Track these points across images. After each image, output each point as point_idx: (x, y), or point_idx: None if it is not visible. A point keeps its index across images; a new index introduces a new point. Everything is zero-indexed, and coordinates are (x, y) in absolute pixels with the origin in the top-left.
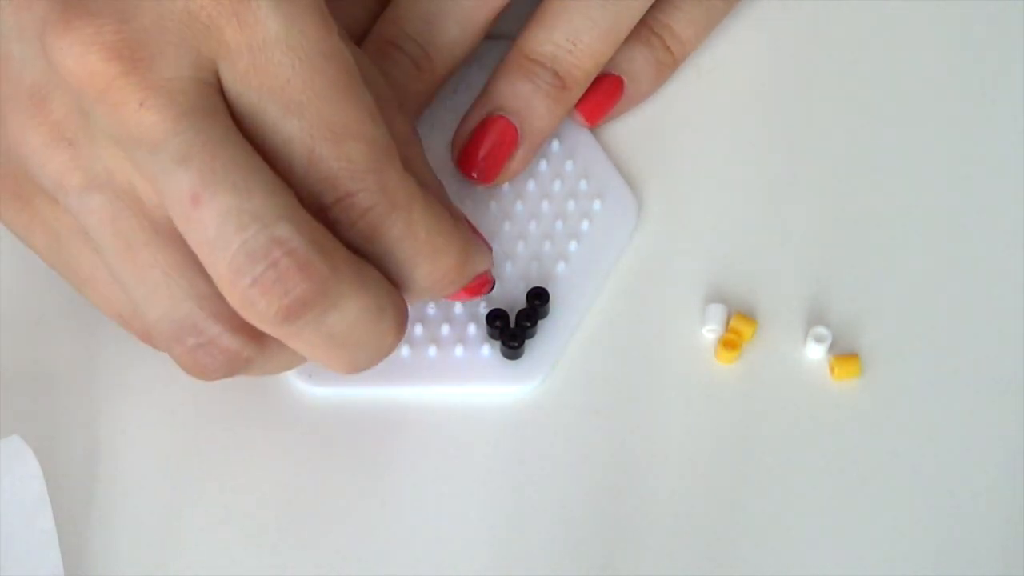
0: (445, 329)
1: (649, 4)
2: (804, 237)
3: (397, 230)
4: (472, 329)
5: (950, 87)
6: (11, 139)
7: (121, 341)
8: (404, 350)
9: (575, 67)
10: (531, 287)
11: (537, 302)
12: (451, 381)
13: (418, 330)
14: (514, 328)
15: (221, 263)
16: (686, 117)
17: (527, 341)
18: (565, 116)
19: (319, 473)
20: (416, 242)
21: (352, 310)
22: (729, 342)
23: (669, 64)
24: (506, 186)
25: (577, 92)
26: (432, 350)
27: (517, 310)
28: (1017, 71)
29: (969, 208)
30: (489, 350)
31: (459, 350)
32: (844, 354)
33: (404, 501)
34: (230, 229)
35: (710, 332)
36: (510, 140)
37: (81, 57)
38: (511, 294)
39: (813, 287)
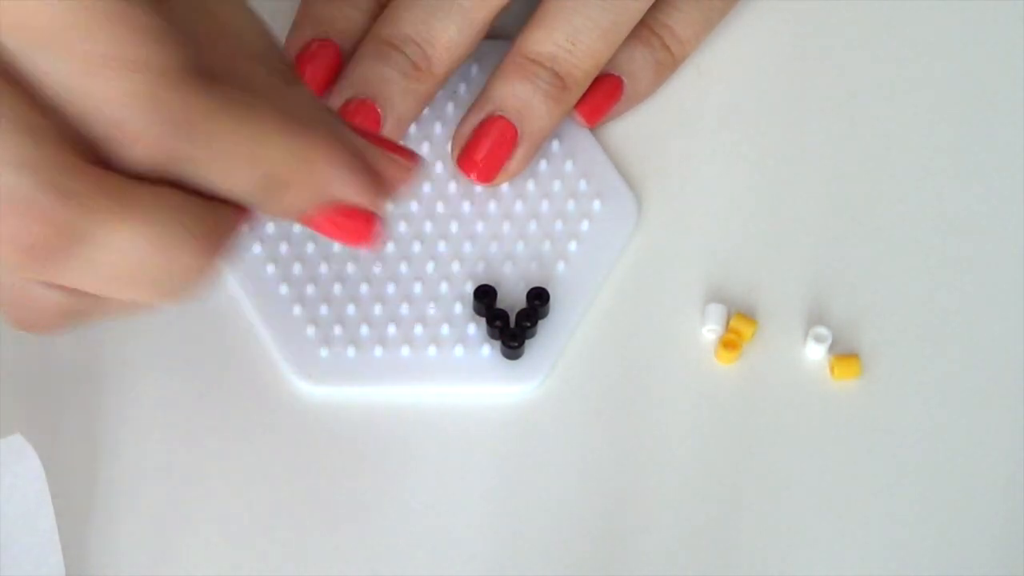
0: (445, 329)
1: (649, 4)
2: (804, 237)
3: (192, 149)
4: (472, 329)
5: (950, 87)
6: None
7: (121, 342)
8: (404, 350)
9: (575, 67)
10: (531, 287)
11: (537, 302)
12: (451, 381)
13: (418, 330)
14: (514, 328)
15: None
16: (686, 117)
17: (527, 341)
18: (565, 116)
19: (319, 473)
20: (224, 151)
21: (126, 242)
22: (729, 342)
23: (669, 64)
24: (506, 186)
25: (577, 92)
26: (432, 350)
27: (517, 310)
28: (1017, 71)
29: (969, 208)
30: (489, 350)
31: (459, 350)
32: (844, 354)
33: (404, 501)
34: None
35: (710, 332)
36: (510, 140)
37: None
38: (511, 294)
39: (813, 287)
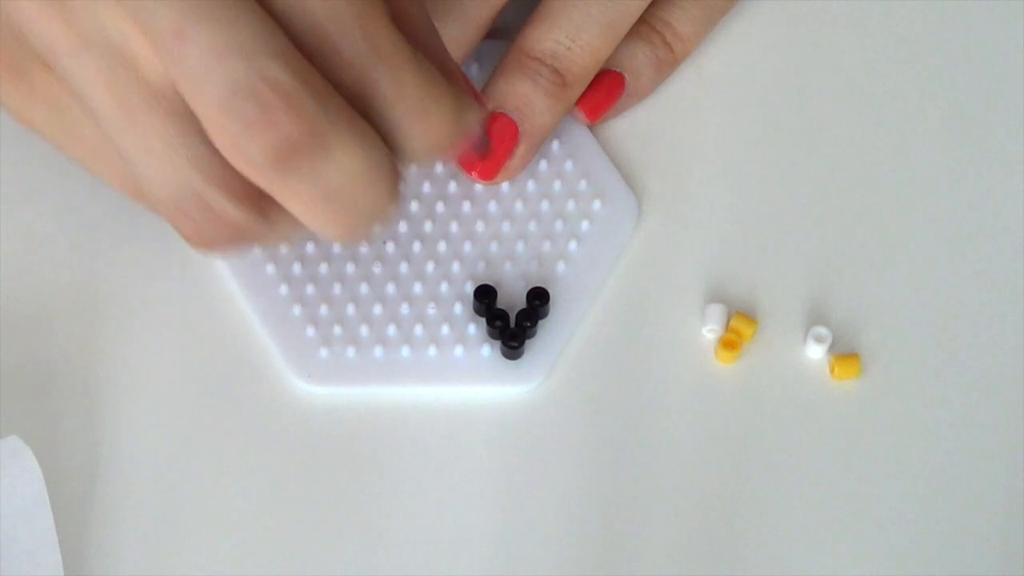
0: (445, 329)
1: (649, 1)
2: (804, 237)
3: (385, 87)
4: (472, 329)
5: (950, 87)
6: (2, 6)
7: (121, 341)
8: (404, 350)
9: (575, 64)
10: (531, 287)
11: (537, 302)
12: (451, 381)
13: (418, 330)
14: (514, 328)
15: (207, 101)
16: (686, 117)
17: (527, 341)
18: (565, 114)
19: (319, 473)
20: (406, 102)
21: (347, 162)
22: (729, 342)
23: (669, 62)
24: (506, 186)
25: (578, 90)
26: (432, 350)
27: (517, 310)
28: (1017, 71)
29: (969, 208)
30: (489, 350)
31: (459, 350)
32: (844, 354)
33: (404, 501)
34: (214, 64)
35: (710, 332)
36: (511, 138)
37: None
38: (511, 294)
39: (813, 287)
